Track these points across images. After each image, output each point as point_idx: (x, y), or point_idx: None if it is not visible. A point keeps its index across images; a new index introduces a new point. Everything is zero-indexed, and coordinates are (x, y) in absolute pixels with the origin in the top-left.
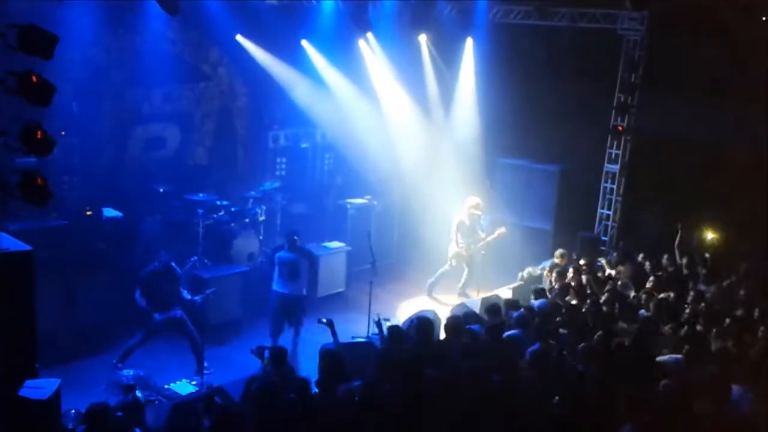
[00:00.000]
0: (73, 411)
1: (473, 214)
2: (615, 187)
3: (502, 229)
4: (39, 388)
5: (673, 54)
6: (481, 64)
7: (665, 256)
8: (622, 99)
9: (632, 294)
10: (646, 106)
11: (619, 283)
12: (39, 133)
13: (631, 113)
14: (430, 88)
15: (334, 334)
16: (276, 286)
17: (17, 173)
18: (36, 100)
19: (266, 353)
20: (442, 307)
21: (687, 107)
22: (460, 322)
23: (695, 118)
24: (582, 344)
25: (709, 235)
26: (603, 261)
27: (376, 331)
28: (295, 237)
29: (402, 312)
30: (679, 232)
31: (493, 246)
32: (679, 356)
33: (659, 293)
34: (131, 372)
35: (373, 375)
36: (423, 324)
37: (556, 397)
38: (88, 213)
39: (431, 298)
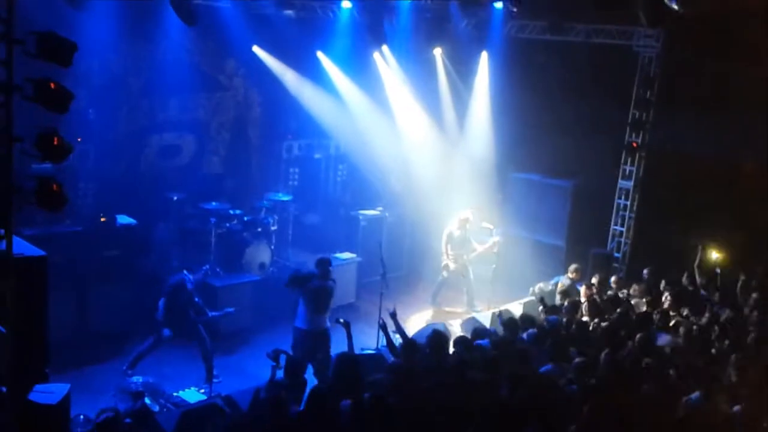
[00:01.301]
0: (81, 416)
1: (463, 227)
2: (629, 203)
3: (495, 238)
4: (49, 392)
5: (689, 70)
6: (496, 79)
7: (685, 275)
8: (637, 115)
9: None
10: (662, 122)
11: (633, 302)
12: (55, 139)
13: (646, 130)
14: (444, 102)
15: (349, 336)
16: (303, 323)
17: (33, 179)
18: (53, 107)
19: (282, 357)
20: (451, 319)
21: (703, 124)
22: (467, 338)
23: (711, 135)
24: (577, 360)
25: (714, 255)
26: (613, 279)
27: (385, 343)
28: (330, 264)
29: (412, 324)
30: (700, 252)
31: (505, 260)
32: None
33: (676, 313)
34: (140, 379)
35: (382, 387)
36: (437, 338)
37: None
38: (102, 219)
39: (440, 310)
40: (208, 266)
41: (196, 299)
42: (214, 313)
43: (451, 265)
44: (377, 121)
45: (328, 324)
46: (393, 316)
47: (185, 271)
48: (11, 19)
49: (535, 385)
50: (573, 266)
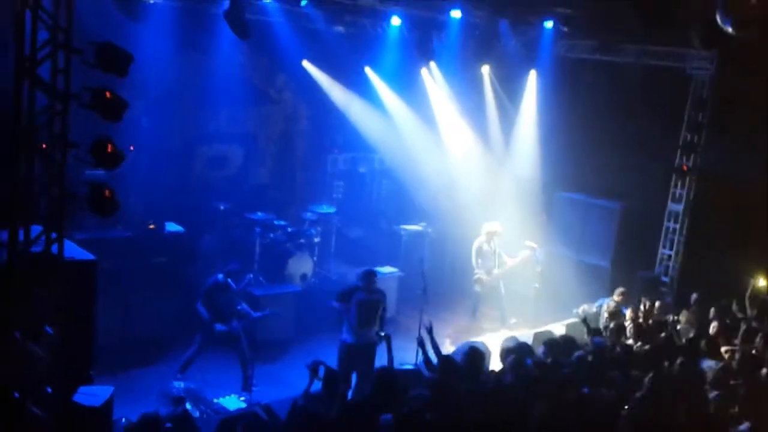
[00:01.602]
0: (124, 419)
1: (491, 240)
2: (678, 227)
3: (525, 252)
4: (92, 395)
5: (742, 92)
6: (544, 97)
7: (734, 303)
8: (689, 138)
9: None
10: (713, 144)
11: (679, 328)
12: (109, 146)
13: (698, 153)
14: (490, 119)
15: (389, 350)
16: (348, 336)
17: (86, 185)
18: (108, 116)
19: (321, 369)
20: (491, 337)
21: (755, 146)
22: (520, 357)
23: (764, 158)
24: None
25: (761, 282)
26: (657, 304)
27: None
28: (376, 276)
29: (451, 342)
30: (751, 283)
31: (548, 280)
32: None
33: (724, 342)
34: (182, 384)
35: (420, 402)
36: (474, 355)
37: None
38: (151, 227)
39: (480, 327)
40: (251, 275)
41: (239, 306)
42: (257, 314)
43: (484, 278)
44: (423, 137)
45: (375, 338)
46: (429, 331)
47: (219, 274)
48: (70, 29)
49: (574, 407)
50: (619, 290)
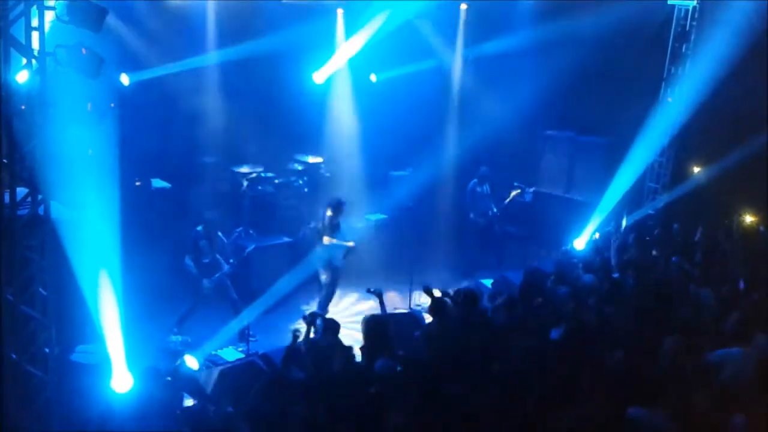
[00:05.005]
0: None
1: (485, 183)
2: (664, 160)
3: (515, 192)
4: (90, 353)
5: (727, 21)
6: (529, 34)
7: (721, 231)
8: (672, 71)
9: None
10: (696, 76)
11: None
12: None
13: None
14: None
15: (382, 304)
16: None
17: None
18: (85, 72)
19: (319, 321)
20: (485, 279)
21: (739, 78)
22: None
23: (748, 89)
24: None
25: (748, 219)
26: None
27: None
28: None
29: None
30: (739, 220)
31: (537, 219)
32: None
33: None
34: (180, 338)
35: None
36: (466, 295)
37: None
38: (138, 183)
39: (473, 270)
40: (241, 228)
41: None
42: (230, 262)
43: (479, 221)
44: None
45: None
46: (428, 291)
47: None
48: None
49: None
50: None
